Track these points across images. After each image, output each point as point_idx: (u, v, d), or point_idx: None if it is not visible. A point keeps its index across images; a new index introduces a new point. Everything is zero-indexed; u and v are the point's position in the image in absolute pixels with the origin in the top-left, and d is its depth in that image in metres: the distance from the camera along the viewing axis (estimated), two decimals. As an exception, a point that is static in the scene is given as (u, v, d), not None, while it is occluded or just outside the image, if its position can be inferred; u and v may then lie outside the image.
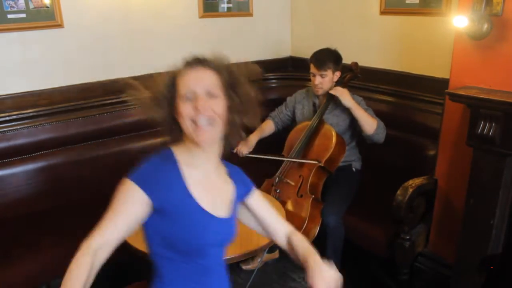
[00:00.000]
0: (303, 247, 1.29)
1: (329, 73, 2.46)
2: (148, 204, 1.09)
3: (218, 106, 1.11)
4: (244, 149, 2.53)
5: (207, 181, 1.19)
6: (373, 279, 2.54)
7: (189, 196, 1.14)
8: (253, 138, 2.61)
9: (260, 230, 1.35)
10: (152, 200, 1.09)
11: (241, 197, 1.28)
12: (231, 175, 1.27)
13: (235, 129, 1.19)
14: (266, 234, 1.34)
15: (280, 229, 1.31)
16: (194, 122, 1.10)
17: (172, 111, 1.14)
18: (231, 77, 1.15)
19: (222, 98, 1.13)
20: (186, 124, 1.11)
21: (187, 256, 1.15)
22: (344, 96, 2.39)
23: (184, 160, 1.16)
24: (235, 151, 2.53)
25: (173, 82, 1.14)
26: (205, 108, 1.09)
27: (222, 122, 1.13)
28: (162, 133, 1.19)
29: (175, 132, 1.16)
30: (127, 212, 1.09)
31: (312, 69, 2.48)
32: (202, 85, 1.11)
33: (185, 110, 1.10)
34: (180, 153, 1.17)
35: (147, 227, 1.14)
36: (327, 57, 2.45)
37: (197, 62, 1.14)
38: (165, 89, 1.14)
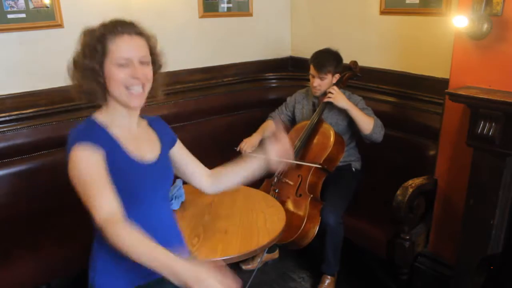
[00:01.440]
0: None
1: (328, 76, 2.46)
2: (104, 155, 1.16)
3: (149, 72, 1.21)
4: (248, 147, 2.53)
5: (131, 135, 1.27)
6: (373, 279, 2.54)
7: (118, 146, 1.22)
8: (256, 138, 2.61)
9: (185, 177, 1.48)
10: (104, 150, 1.16)
11: (167, 145, 1.38)
12: (153, 126, 1.38)
13: (157, 86, 1.28)
14: (189, 179, 1.47)
15: (201, 172, 1.46)
16: (127, 88, 1.18)
17: (97, 73, 1.18)
18: (153, 43, 1.25)
19: (150, 64, 1.23)
20: (119, 90, 1.18)
21: (126, 205, 1.15)
22: (338, 99, 2.38)
23: (106, 121, 1.24)
24: (238, 149, 2.54)
25: (102, 44, 1.16)
26: (140, 76, 1.17)
27: (150, 85, 1.23)
28: (74, 96, 1.27)
29: (96, 94, 1.21)
30: (106, 176, 1.13)
31: (312, 70, 2.47)
32: (137, 53, 1.18)
33: (119, 76, 1.16)
34: (101, 117, 1.24)
35: None
36: (328, 61, 2.44)
37: (130, 28, 1.19)
38: (91, 50, 1.17)
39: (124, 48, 1.16)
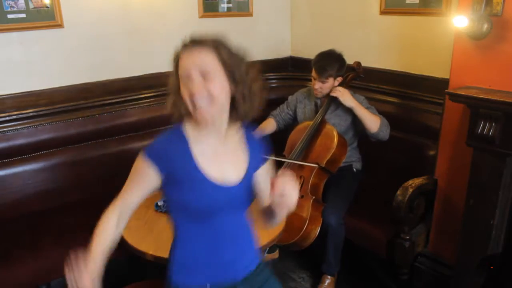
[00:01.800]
0: None
1: (330, 80, 2.44)
2: (158, 175, 1.20)
3: (214, 86, 1.14)
4: None
5: (214, 152, 1.24)
6: (373, 279, 2.54)
7: (195, 167, 1.20)
8: None
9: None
10: (161, 172, 1.19)
11: (254, 165, 1.33)
12: (248, 141, 1.32)
13: (245, 100, 1.20)
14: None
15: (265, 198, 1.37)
16: (192, 102, 1.15)
17: (178, 90, 1.20)
18: (231, 54, 1.17)
19: (219, 76, 1.15)
20: (188, 104, 1.16)
21: (200, 218, 1.25)
22: (345, 97, 2.37)
23: (193, 134, 1.22)
24: None
25: (176, 64, 1.18)
26: (199, 91, 1.13)
27: (221, 100, 1.16)
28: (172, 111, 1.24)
29: (182, 109, 1.21)
30: (141, 183, 1.23)
31: (314, 73, 2.46)
32: (196, 67, 1.13)
33: (184, 91, 1.16)
34: (189, 128, 1.23)
35: (165, 192, 1.25)
36: (330, 66, 2.41)
37: (193, 42, 1.17)
38: (173, 70, 1.20)
39: (183, 63, 1.15)
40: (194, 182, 1.20)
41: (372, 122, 2.34)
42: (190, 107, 1.16)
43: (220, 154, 1.25)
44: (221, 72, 1.15)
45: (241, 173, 1.28)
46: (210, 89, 1.13)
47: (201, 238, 1.27)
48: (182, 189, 1.21)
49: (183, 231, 1.28)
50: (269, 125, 2.71)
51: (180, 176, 1.20)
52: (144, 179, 1.22)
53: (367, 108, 2.40)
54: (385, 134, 2.37)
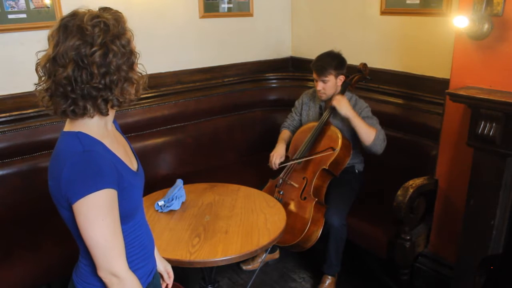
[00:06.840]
0: None
1: (331, 78, 2.41)
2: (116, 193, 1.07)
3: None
4: (277, 159, 2.46)
5: (117, 143, 1.17)
6: (374, 279, 2.54)
7: (123, 164, 1.12)
8: (282, 147, 2.54)
9: None
10: (117, 188, 1.06)
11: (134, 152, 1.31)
12: (117, 128, 1.29)
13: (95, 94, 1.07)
14: None
15: None
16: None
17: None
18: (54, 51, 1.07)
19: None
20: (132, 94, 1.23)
21: (131, 220, 1.17)
22: (341, 105, 2.33)
23: (97, 134, 1.10)
24: (272, 166, 2.48)
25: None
26: None
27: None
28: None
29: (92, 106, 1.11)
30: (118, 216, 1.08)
31: (314, 75, 2.45)
32: None
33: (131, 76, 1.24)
34: (92, 132, 1.09)
35: None
36: (328, 63, 2.40)
37: None
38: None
39: None
40: (128, 180, 1.11)
41: (367, 134, 2.31)
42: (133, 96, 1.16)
43: (119, 142, 1.19)
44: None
45: (133, 156, 1.25)
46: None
47: (133, 239, 1.19)
48: (123, 193, 1.08)
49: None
50: (288, 136, 2.66)
51: (122, 181, 1.08)
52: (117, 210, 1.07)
53: (367, 117, 2.37)
54: (379, 149, 2.34)
